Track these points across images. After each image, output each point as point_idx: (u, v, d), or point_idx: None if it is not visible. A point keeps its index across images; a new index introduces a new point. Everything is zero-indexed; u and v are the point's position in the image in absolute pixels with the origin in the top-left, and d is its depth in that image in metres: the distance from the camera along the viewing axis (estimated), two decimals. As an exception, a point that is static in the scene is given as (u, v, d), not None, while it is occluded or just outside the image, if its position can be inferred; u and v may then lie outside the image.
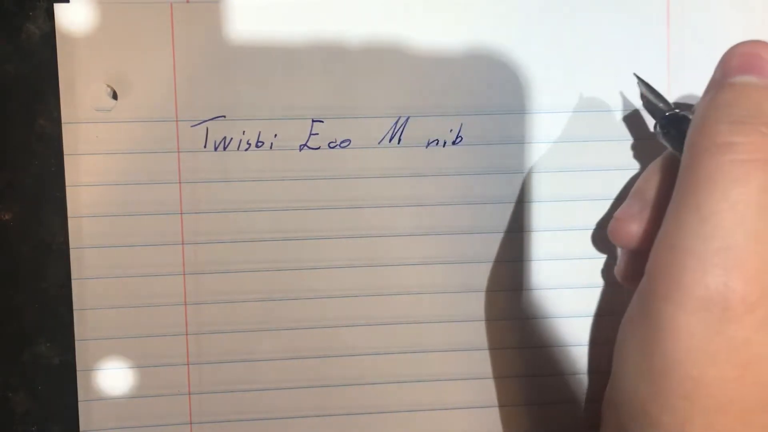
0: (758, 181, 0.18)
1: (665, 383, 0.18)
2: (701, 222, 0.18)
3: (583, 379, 0.27)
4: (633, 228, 0.23)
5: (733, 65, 0.20)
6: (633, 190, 0.24)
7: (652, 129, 0.25)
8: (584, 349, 0.27)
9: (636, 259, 0.23)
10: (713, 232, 0.18)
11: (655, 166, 0.23)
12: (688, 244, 0.18)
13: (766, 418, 0.18)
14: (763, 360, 0.18)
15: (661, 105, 0.24)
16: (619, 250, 0.25)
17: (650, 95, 0.24)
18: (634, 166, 0.27)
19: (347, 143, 0.26)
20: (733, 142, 0.18)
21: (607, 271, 0.27)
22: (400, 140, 0.26)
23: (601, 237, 0.27)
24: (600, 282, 0.27)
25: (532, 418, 0.27)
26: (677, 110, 0.23)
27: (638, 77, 0.25)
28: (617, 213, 0.24)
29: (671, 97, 0.27)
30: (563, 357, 0.27)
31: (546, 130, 0.27)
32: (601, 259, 0.27)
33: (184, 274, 0.26)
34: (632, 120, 0.27)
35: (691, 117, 0.21)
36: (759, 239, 0.18)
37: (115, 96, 0.25)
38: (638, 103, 0.27)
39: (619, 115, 0.27)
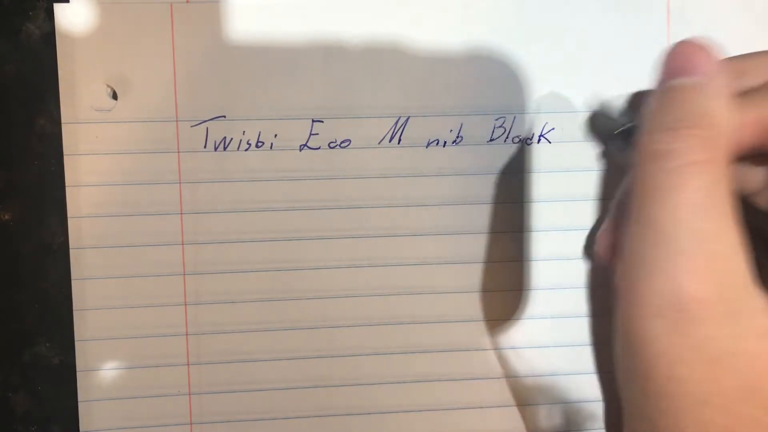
0: (695, 183, 0.19)
1: (650, 386, 0.19)
2: (647, 230, 0.19)
3: (583, 379, 0.27)
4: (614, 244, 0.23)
5: (668, 68, 0.20)
6: (611, 206, 0.24)
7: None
8: (584, 349, 0.27)
9: None
10: (658, 239, 0.19)
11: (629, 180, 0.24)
12: (639, 253, 0.19)
13: (749, 407, 0.18)
14: (733, 354, 0.18)
15: (616, 119, 0.24)
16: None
17: (605, 114, 0.25)
18: (634, 166, 0.27)
19: (347, 143, 0.26)
20: (668, 149, 0.19)
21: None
22: (400, 140, 0.26)
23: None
24: (600, 282, 0.27)
25: (533, 417, 0.27)
26: (628, 124, 0.24)
27: (598, 108, 0.25)
28: (599, 233, 0.24)
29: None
30: (563, 357, 0.27)
31: (545, 130, 0.27)
32: (601, 259, 0.27)
33: (184, 274, 0.26)
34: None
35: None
36: (704, 239, 0.18)
37: (115, 96, 0.25)
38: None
39: (619, 115, 0.27)
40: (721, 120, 0.19)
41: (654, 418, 0.19)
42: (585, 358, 0.27)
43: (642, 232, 0.19)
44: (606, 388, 0.27)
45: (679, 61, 0.20)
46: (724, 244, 0.19)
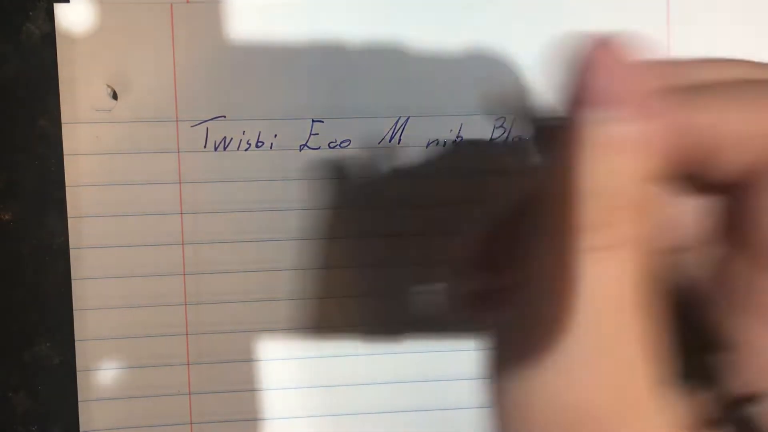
0: (609, 272, 0.14)
1: None
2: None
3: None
4: None
5: (583, 93, 0.14)
6: (483, 221, 0.19)
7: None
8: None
9: None
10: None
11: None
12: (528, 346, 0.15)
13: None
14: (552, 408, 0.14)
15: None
16: None
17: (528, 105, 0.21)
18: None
19: (347, 143, 0.26)
20: (581, 225, 0.13)
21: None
22: (400, 140, 0.26)
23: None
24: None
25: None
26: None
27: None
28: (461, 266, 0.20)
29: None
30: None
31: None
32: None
33: (184, 274, 0.26)
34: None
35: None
36: (606, 344, 0.14)
37: (115, 96, 0.25)
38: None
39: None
40: (643, 192, 0.14)
41: None
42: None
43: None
44: None
45: (599, 82, 0.14)
46: (630, 349, 0.14)
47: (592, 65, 0.14)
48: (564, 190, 0.14)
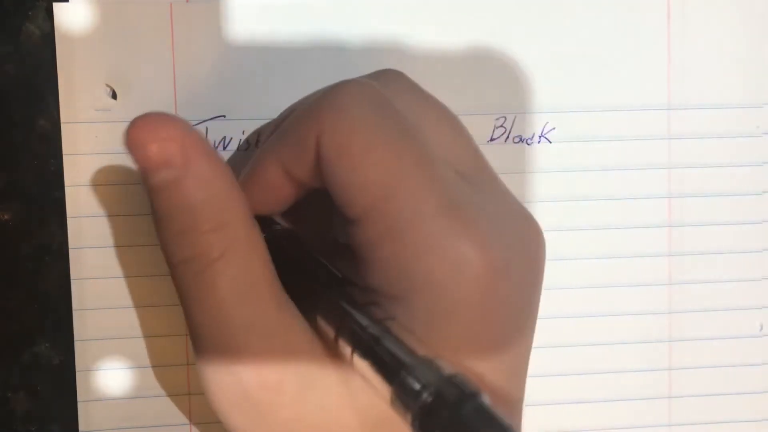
0: (224, 279, 0.18)
1: None
2: (201, 330, 0.19)
3: (582, 379, 0.27)
4: None
5: (139, 163, 0.18)
6: None
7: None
8: (584, 349, 0.27)
9: None
10: (213, 334, 0.19)
11: None
12: (205, 350, 0.20)
13: None
14: (317, 429, 0.19)
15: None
16: None
17: None
18: (634, 166, 0.27)
19: (347, 143, 0.26)
20: (186, 258, 0.18)
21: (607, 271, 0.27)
22: (400, 140, 0.26)
23: (601, 237, 0.27)
24: (599, 282, 0.27)
25: (532, 417, 0.27)
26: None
27: None
28: None
29: (671, 97, 0.27)
30: (563, 357, 0.27)
31: (546, 130, 0.27)
32: (601, 259, 0.27)
33: (184, 274, 0.26)
34: (632, 119, 0.27)
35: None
36: (251, 327, 0.19)
37: (114, 96, 0.25)
38: (637, 103, 0.27)
39: (618, 115, 0.27)
40: (222, 201, 0.18)
41: None
42: (583, 358, 0.27)
43: (195, 334, 0.19)
44: None
45: (143, 153, 0.18)
46: (274, 325, 0.19)
47: (129, 146, 0.18)
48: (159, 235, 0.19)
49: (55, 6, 0.25)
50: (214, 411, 0.20)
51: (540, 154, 0.27)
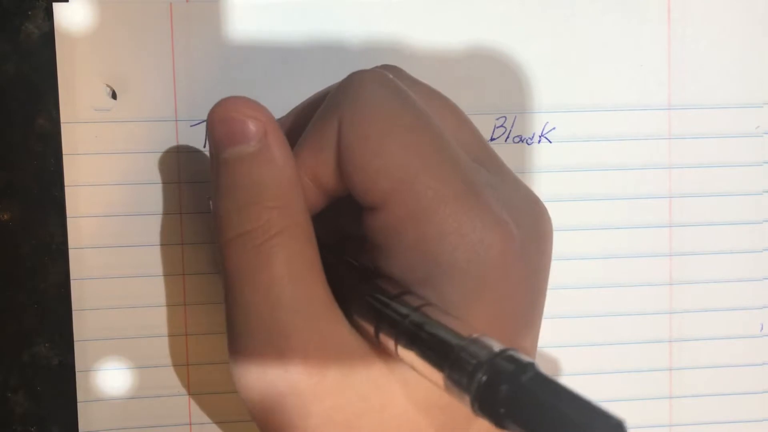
0: (280, 256, 0.18)
1: None
2: (246, 316, 0.19)
3: (583, 379, 0.27)
4: None
5: (218, 137, 0.19)
6: None
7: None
8: (585, 348, 0.27)
9: None
10: (259, 325, 0.19)
11: None
12: (244, 344, 0.19)
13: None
14: (359, 415, 0.18)
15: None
16: None
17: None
18: (635, 166, 0.27)
19: (347, 143, 0.26)
20: (246, 231, 0.18)
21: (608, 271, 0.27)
22: (400, 140, 0.26)
23: (602, 236, 0.27)
24: (600, 282, 0.27)
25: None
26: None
27: None
28: None
29: (671, 97, 0.27)
30: (564, 356, 0.27)
31: (546, 130, 0.27)
32: (602, 259, 0.27)
33: (184, 274, 0.26)
34: (632, 119, 0.27)
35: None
36: (302, 316, 0.18)
37: (114, 96, 0.25)
38: (637, 102, 0.27)
39: (618, 115, 0.27)
40: (287, 184, 0.19)
41: None
42: (584, 358, 0.27)
43: (241, 318, 0.19)
44: None
45: (229, 126, 0.19)
46: (321, 311, 0.18)
47: (213, 120, 0.19)
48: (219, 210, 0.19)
49: (55, 6, 0.25)
50: (247, 405, 0.20)
51: (540, 153, 0.27)
